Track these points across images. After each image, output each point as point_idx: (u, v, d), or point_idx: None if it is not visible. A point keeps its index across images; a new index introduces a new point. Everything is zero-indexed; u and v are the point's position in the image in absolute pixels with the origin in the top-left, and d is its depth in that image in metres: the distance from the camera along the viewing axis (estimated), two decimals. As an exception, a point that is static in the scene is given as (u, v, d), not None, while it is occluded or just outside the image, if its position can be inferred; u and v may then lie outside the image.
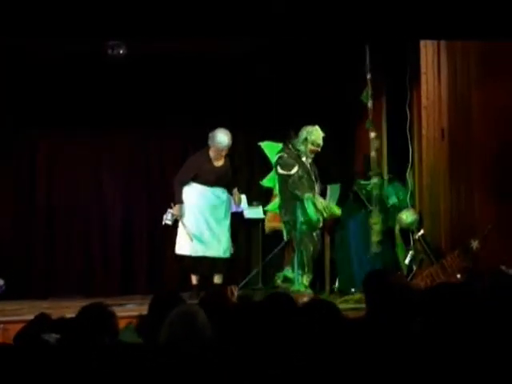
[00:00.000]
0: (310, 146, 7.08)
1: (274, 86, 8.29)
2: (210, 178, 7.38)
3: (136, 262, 8.45)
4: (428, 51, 7.46)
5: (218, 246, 7.35)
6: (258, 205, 7.91)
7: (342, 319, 3.03)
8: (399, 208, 7.39)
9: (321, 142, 7.14)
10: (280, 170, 7.16)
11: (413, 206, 7.42)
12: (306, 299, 4.76)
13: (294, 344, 2.80)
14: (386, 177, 7.66)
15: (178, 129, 8.46)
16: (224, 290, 4.84)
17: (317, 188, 7.20)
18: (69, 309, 5.75)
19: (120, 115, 8.21)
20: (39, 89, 8.06)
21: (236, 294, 6.86)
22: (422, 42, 7.44)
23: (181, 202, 7.31)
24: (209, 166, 7.40)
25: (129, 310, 6.11)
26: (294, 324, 2.94)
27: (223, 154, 7.40)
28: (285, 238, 7.42)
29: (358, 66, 7.52)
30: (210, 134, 7.33)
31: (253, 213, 7.91)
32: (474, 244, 6.94)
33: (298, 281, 7.00)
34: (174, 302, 3.33)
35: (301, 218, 7.03)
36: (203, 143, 7.50)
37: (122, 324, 3.97)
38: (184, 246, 7.33)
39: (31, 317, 4.22)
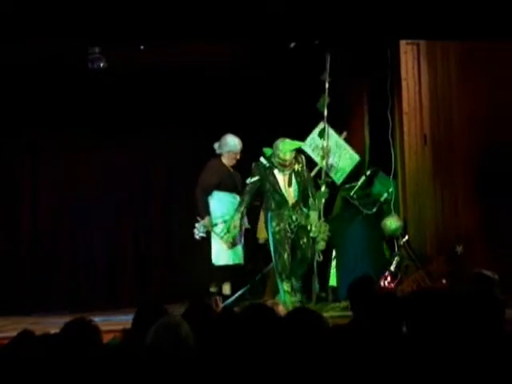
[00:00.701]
0: (277, 159, 6.97)
1: (257, 94, 8.36)
2: (229, 184, 7.39)
3: (122, 275, 8.43)
4: (408, 58, 7.50)
5: (241, 252, 7.38)
6: None
7: (324, 327, 3.02)
8: (391, 201, 7.40)
9: (286, 155, 6.90)
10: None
11: (397, 213, 7.40)
12: (280, 307, 4.71)
13: (275, 353, 2.79)
14: (367, 173, 7.63)
15: (161, 141, 8.49)
16: (208, 301, 4.83)
17: (291, 199, 7.04)
18: (53, 325, 5.71)
19: (105, 129, 8.28)
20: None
21: (220, 305, 6.84)
22: (402, 49, 7.48)
23: (208, 212, 7.28)
24: (227, 172, 7.42)
25: (114, 324, 6.06)
26: (272, 334, 2.92)
27: (238, 158, 7.41)
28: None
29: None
30: (220, 143, 7.34)
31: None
32: (459, 249, 6.96)
33: (281, 289, 6.99)
34: (157, 314, 3.31)
35: (271, 228, 7.02)
36: (187, 153, 7.49)
37: (108, 338, 3.95)
38: (222, 256, 7.28)
39: (15, 334, 4.18)
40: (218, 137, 7.42)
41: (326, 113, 7.32)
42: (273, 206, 7.02)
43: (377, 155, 7.82)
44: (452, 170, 7.48)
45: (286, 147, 6.92)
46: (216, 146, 7.38)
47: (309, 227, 7.02)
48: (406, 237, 7.25)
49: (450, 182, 7.46)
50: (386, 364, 2.85)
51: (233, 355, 2.76)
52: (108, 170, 8.55)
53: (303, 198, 7.12)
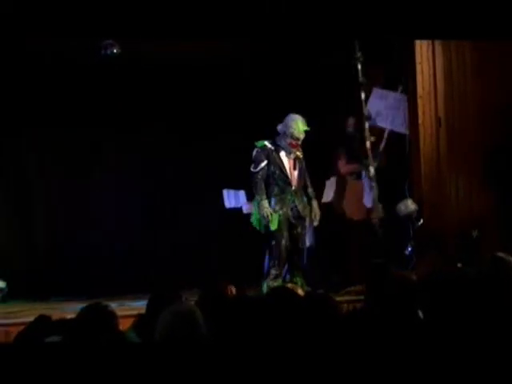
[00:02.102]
0: (288, 140, 6.90)
1: (263, 86, 8.29)
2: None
3: (138, 262, 8.45)
4: (423, 42, 7.43)
5: None
6: None
7: (337, 311, 3.01)
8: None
9: (300, 135, 6.82)
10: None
11: (411, 196, 7.35)
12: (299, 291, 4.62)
13: (292, 338, 2.77)
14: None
15: (172, 131, 8.47)
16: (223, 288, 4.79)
17: (294, 183, 7.01)
18: (71, 310, 5.73)
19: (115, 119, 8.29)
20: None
21: (234, 292, 6.79)
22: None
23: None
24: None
25: (130, 309, 6.06)
26: (291, 318, 2.91)
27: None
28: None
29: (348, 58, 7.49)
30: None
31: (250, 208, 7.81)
32: (474, 233, 6.92)
33: (269, 273, 6.90)
34: (170, 300, 3.30)
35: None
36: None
37: (124, 323, 3.95)
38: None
39: (32, 319, 4.20)
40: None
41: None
42: (276, 190, 6.91)
43: (392, 138, 7.75)
44: (466, 154, 7.45)
45: (300, 126, 6.83)
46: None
47: (313, 216, 6.98)
48: (421, 220, 7.20)
49: (464, 167, 7.43)
50: (401, 349, 2.83)
51: (246, 341, 2.75)
52: (124, 159, 8.56)
53: (303, 186, 7.07)
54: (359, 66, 7.39)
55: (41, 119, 8.13)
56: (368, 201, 7.50)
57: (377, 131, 7.65)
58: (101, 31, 6.54)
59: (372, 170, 7.37)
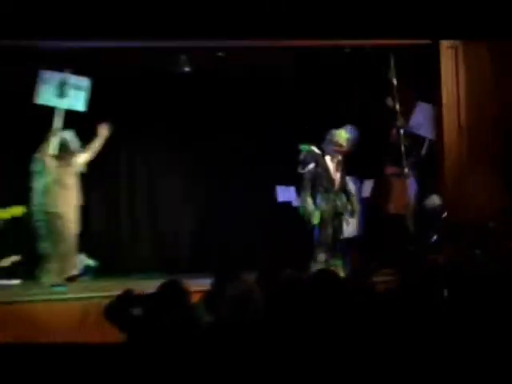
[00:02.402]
0: (332, 147, 6.99)
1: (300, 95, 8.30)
2: None
3: (207, 243, 8.53)
4: (447, 58, 7.37)
5: None
6: None
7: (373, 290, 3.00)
8: None
9: (343, 142, 6.97)
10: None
11: (437, 192, 7.31)
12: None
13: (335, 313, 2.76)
14: None
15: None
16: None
17: (337, 183, 7.02)
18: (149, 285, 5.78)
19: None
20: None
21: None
22: (442, 50, 7.36)
23: None
24: None
25: (200, 286, 6.07)
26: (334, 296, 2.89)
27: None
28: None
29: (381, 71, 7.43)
30: None
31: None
32: (491, 224, 6.84)
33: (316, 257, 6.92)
34: (231, 279, 3.31)
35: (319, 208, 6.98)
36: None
37: (195, 297, 3.96)
38: None
39: (118, 292, 4.21)
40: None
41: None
42: (321, 189, 6.99)
43: (418, 142, 7.70)
44: (484, 156, 7.34)
45: (343, 135, 6.99)
46: None
47: (354, 209, 7.04)
48: (445, 213, 7.15)
49: (482, 168, 7.31)
50: (428, 322, 2.82)
51: (298, 317, 2.75)
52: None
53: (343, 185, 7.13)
54: (394, 81, 7.33)
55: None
56: (411, 197, 7.51)
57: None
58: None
59: (407, 170, 7.37)
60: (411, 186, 7.52)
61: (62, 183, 6.86)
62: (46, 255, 6.78)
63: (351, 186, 7.33)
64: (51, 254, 6.76)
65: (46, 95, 6.78)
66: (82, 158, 7.04)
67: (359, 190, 7.83)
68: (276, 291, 3.04)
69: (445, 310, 2.99)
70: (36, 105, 6.80)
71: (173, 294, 3.60)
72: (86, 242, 7.45)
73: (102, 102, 7.35)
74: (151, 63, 7.50)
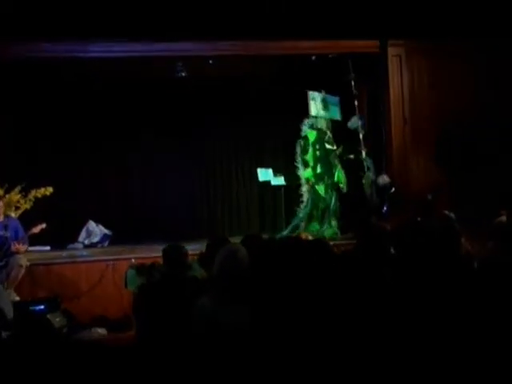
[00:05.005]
0: None
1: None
2: None
3: (201, 216, 8.53)
4: (393, 64, 7.38)
5: None
6: (280, 175, 7.87)
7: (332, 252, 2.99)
8: None
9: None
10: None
11: (386, 172, 7.36)
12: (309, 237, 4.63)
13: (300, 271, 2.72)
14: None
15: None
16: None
17: None
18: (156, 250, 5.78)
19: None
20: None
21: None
22: (390, 57, 7.35)
23: None
24: None
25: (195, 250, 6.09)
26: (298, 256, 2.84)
27: None
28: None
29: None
30: None
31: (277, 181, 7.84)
32: (429, 196, 6.90)
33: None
34: (222, 242, 3.32)
35: None
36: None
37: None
38: None
39: (130, 256, 4.19)
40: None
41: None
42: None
43: (372, 132, 7.70)
44: (424, 143, 7.37)
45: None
46: None
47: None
48: (393, 189, 7.21)
49: (422, 152, 7.35)
50: (379, 275, 2.84)
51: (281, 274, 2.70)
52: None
53: None
54: (353, 82, 7.33)
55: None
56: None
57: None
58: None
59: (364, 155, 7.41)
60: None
61: None
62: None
63: None
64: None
65: (314, 109, 7.29)
66: None
67: None
68: (258, 251, 3.06)
69: (391, 265, 3.00)
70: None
71: (178, 255, 3.63)
72: (103, 215, 7.47)
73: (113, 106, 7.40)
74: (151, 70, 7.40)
